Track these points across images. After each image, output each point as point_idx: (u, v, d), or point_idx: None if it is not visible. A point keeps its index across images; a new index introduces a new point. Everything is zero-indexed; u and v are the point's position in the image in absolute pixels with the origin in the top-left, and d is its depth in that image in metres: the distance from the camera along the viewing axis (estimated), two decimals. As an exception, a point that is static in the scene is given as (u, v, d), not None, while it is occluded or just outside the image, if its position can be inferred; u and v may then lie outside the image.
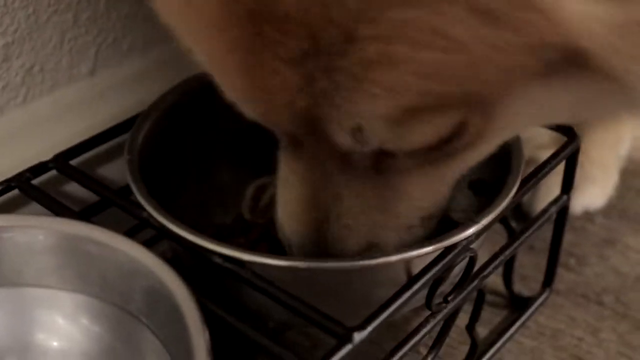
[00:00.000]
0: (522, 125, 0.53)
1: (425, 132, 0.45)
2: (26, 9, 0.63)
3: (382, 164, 0.50)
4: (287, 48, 0.42)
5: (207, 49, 0.47)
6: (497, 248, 0.61)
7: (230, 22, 0.43)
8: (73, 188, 0.66)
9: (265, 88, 0.45)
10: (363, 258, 0.53)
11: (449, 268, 0.53)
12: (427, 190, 0.54)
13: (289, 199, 0.55)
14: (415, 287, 0.51)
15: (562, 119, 0.58)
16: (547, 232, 0.68)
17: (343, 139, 0.46)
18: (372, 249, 0.55)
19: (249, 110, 0.49)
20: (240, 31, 0.43)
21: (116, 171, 0.69)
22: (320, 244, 0.55)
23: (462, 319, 0.59)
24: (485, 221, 0.55)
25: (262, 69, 0.43)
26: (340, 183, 0.52)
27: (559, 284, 0.73)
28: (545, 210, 0.65)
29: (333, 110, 0.44)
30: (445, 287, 0.55)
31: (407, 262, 0.54)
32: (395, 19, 0.40)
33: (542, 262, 0.72)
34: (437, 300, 0.54)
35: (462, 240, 0.53)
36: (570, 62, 0.42)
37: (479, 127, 0.47)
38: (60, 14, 0.65)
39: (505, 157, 0.61)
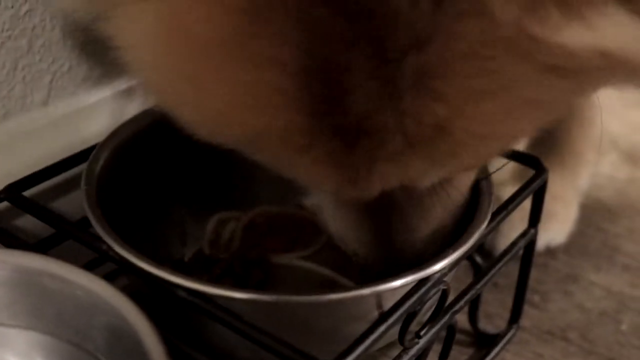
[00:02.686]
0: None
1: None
2: (-21, 34, 0.61)
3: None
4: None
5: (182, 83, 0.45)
6: (460, 285, 0.59)
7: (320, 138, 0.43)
8: (25, 221, 0.63)
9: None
10: (332, 292, 0.51)
11: (423, 301, 0.51)
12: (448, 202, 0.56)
13: (345, 222, 0.56)
14: (391, 319, 0.49)
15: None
16: (510, 268, 0.67)
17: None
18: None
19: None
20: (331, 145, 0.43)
21: (70, 204, 0.66)
22: (391, 252, 0.56)
23: (431, 358, 0.58)
24: (457, 254, 0.54)
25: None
26: (387, 200, 0.52)
27: (524, 320, 0.72)
28: (513, 244, 0.64)
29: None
30: (413, 326, 0.53)
31: (379, 296, 0.52)
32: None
33: (507, 298, 0.72)
34: (409, 336, 0.53)
35: (435, 273, 0.52)
36: None
37: None
38: (14, 40, 0.62)
39: (474, 190, 0.60)
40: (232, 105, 0.43)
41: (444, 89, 0.40)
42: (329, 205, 0.57)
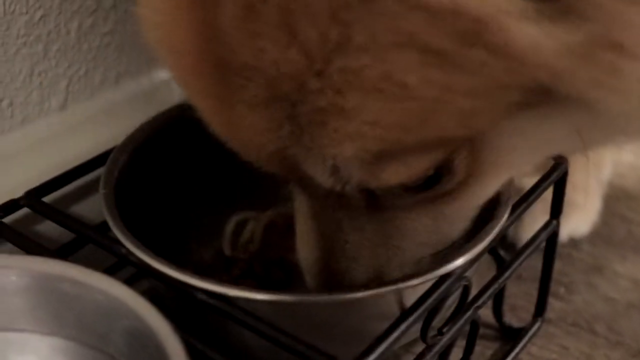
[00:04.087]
0: (522, 160, 0.51)
1: (400, 172, 0.45)
2: (-6, 41, 0.61)
3: (376, 201, 0.49)
4: (250, 94, 0.43)
5: (187, 92, 0.48)
6: (483, 279, 0.59)
7: (202, 70, 0.44)
8: (45, 226, 0.63)
9: (238, 131, 0.46)
10: (353, 291, 0.51)
11: (444, 298, 0.51)
12: (432, 228, 0.52)
13: (301, 229, 0.55)
14: (412, 317, 0.49)
15: (563, 150, 0.56)
16: (534, 261, 0.66)
17: (322, 178, 0.46)
18: (379, 280, 0.53)
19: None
20: (211, 78, 0.44)
21: (89, 209, 0.67)
22: (329, 275, 0.54)
23: (456, 354, 0.57)
24: (478, 249, 0.53)
25: (231, 113, 0.44)
26: (341, 218, 0.51)
27: (549, 313, 0.71)
28: (535, 237, 0.63)
29: (305, 152, 0.44)
30: (436, 322, 0.53)
31: (399, 294, 0.52)
32: (343, 69, 0.40)
33: (531, 291, 0.71)
34: (431, 332, 0.52)
35: (456, 269, 0.52)
36: (540, 95, 0.42)
37: (468, 166, 0.46)
38: (29, 46, 0.63)
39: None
40: None
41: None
42: (297, 214, 0.55)
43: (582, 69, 0.40)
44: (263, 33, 0.40)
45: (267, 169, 0.49)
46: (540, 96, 0.42)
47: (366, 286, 0.51)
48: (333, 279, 0.54)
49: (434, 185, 0.47)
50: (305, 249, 0.55)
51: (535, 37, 0.39)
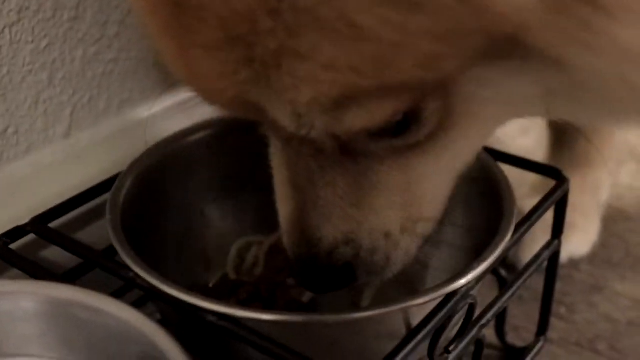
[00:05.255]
0: (495, 115, 0.50)
1: (363, 118, 0.44)
2: (0, 69, 0.61)
3: (347, 148, 0.48)
4: (204, 36, 0.42)
5: (149, 34, 0.47)
6: (486, 300, 0.59)
7: (159, 10, 0.43)
8: (51, 252, 0.63)
9: (197, 76, 0.45)
10: (360, 310, 0.51)
11: (451, 316, 0.51)
12: (404, 185, 0.50)
13: (277, 180, 0.53)
14: (420, 335, 0.49)
15: (539, 112, 0.54)
16: (534, 282, 0.67)
17: (286, 123, 0.45)
18: (349, 246, 0.51)
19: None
20: (166, 18, 0.43)
21: (94, 234, 0.67)
22: (301, 232, 0.52)
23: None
24: (483, 267, 0.54)
25: (189, 56, 0.44)
26: (314, 169, 0.49)
27: (551, 333, 0.72)
28: (537, 256, 0.64)
29: (265, 97, 0.43)
30: (441, 342, 0.53)
31: (406, 313, 0.52)
32: (295, 7, 0.39)
33: (532, 312, 0.71)
34: (438, 351, 0.53)
35: (461, 287, 0.52)
36: (509, 46, 0.41)
37: (440, 116, 0.45)
38: (35, 74, 0.63)
39: (496, 204, 0.60)
40: None
41: None
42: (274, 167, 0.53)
43: (554, 22, 0.40)
44: None
45: (233, 113, 0.48)
46: (510, 47, 0.41)
47: (373, 306, 0.52)
48: (304, 236, 0.51)
49: (403, 132, 0.46)
50: (280, 202, 0.53)
51: None
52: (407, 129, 0.46)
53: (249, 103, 0.45)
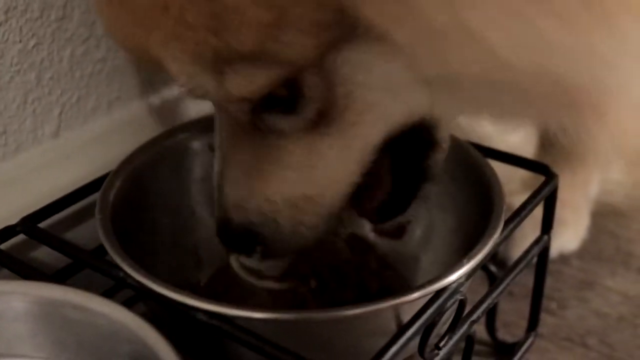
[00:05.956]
0: (386, 104, 0.51)
1: (241, 85, 0.47)
2: (-12, 70, 0.61)
3: (257, 122, 0.51)
4: None
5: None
6: (476, 296, 0.59)
7: None
8: (41, 252, 0.63)
9: (114, 26, 0.48)
10: (351, 307, 0.51)
11: (441, 312, 0.51)
12: (306, 162, 0.53)
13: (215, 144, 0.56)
14: (410, 331, 0.49)
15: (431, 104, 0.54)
16: (524, 278, 0.67)
17: (184, 82, 0.48)
18: (250, 213, 0.55)
19: None
20: None
21: (85, 233, 0.67)
22: (220, 193, 0.55)
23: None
24: (472, 264, 0.54)
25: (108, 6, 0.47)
26: (230, 136, 0.53)
27: (542, 328, 0.72)
28: (527, 252, 0.64)
29: (158, 53, 0.47)
30: (432, 339, 0.53)
31: (397, 309, 0.52)
32: None
33: (523, 308, 0.72)
34: (428, 348, 0.53)
35: (451, 284, 0.52)
36: (350, 21, 0.43)
37: (322, 95, 0.48)
38: (23, 74, 0.63)
39: (485, 200, 0.60)
40: None
41: None
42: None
43: None
44: None
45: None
46: (351, 23, 0.44)
47: (363, 303, 0.51)
48: (220, 198, 0.55)
49: (293, 110, 0.49)
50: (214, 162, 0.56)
51: None
52: (295, 106, 0.49)
53: (152, 58, 0.48)
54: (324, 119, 0.50)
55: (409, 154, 0.55)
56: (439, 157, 0.57)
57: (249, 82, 0.46)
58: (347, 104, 0.50)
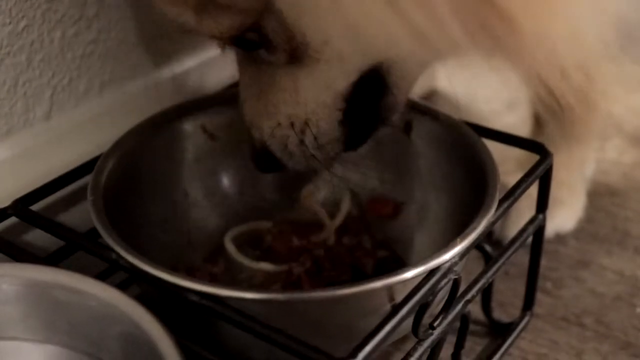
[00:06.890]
0: (344, 40, 0.56)
1: (212, 26, 0.56)
2: (-22, 52, 0.61)
3: (253, 55, 0.60)
4: None
5: None
6: (472, 276, 0.59)
7: None
8: (34, 235, 0.63)
9: None
10: (344, 287, 0.51)
11: (435, 291, 0.51)
12: (293, 87, 0.59)
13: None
14: (404, 310, 0.49)
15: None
16: (520, 258, 0.67)
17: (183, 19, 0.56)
18: (271, 142, 0.62)
19: None
20: None
21: (76, 216, 0.67)
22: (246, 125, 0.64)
23: (446, 350, 0.58)
24: (466, 242, 0.53)
25: None
26: (241, 68, 0.63)
27: (538, 308, 0.72)
28: (522, 231, 0.64)
29: None
30: (426, 319, 0.53)
31: (390, 288, 0.52)
32: None
33: (518, 287, 0.72)
34: (422, 327, 0.53)
35: (445, 263, 0.52)
36: None
37: (286, 36, 0.55)
38: (13, 56, 0.63)
39: (480, 179, 0.60)
40: None
41: None
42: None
43: None
44: None
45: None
46: None
47: (356, 283, 0.51)
48: (246, 123, 0.64)
49: (268, 48, 0.57)
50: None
51: None
52: (268, 45, 0.57)
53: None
54: (295, 56, 0.57)
55: (362, 97, 0.59)
56: (390, 102, 0.61)
57: (218, 24, 0.56)
58: (304, 43, 0.56)
